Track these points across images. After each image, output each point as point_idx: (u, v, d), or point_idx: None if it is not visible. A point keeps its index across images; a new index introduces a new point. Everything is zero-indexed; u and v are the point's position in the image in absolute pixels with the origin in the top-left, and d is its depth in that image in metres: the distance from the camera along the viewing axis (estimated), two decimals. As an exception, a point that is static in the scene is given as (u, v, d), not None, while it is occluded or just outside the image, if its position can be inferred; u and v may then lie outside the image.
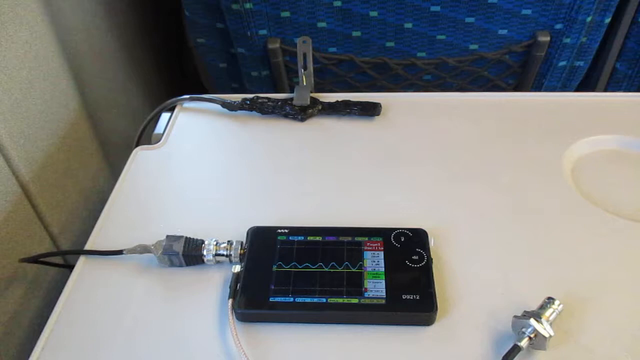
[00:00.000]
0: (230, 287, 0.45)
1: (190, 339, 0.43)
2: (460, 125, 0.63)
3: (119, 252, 0.49)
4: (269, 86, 0.90)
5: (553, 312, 0.41)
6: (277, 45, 0.82)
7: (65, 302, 0.47)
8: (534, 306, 0.42)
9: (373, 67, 0.85)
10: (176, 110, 0.68)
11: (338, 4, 0.77)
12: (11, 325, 0.55)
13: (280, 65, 0.85)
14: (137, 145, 0.64)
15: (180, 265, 0.48)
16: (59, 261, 0.63)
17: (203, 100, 0.68)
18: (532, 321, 0.39)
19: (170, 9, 1.04)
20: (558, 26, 0.79)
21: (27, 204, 0.59)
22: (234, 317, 0.43)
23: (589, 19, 0.78)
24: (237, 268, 0.46)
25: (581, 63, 0.86)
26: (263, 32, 0.81)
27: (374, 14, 0.79)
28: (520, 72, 0.86)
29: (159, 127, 0.66)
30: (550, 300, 0.41)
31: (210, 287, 0.47)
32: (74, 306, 0.46)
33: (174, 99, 0.68)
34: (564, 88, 0.90)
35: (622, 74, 0.89)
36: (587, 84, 0.93)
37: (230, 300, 0.44)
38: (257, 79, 0.89)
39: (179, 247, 0.47)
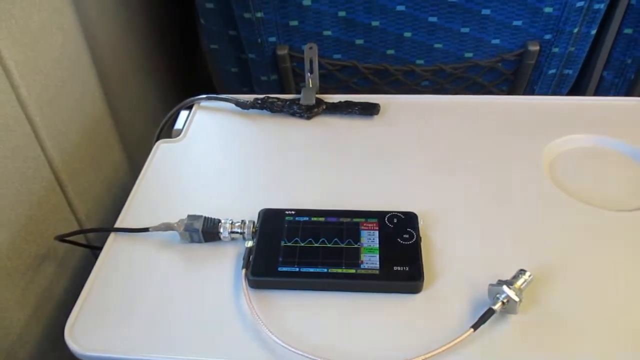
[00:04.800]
0: (243, 259, 0.50)
1: (209, 304, 0.48)
2: (451, 124, 0.68)
3: (145, 230, 0.54)
4: (277, 90, 0.94)
5: (524, 281, 0.46)
6: (286, 51, 0.86)
7: (98, 272, 0.52)
8: (508, 278, 0.47)
9: (375, 72, 0.89)
10: (194, 108, 0.73)
11: (342, 14, 0.82)
12: (43, 298, 0.60)
13: (288, 70, 0.89)
14: (157, 139, 0.69)
15: (200, 242, 0.54)
16: (86, 243, 0.69)
17: (218, 100, 0.73)
18: (505, 288, 0.45)
19: (186, 17, 1.09)
20: (547, 36, 0.83)
21: (59, 190, 0.63)
22: (247, 284, 0.49)
23: (575, 30, 0.82)
24: (249, 243, 0.52)
25: (570, 71, 0.90)
26: (272, 39, 0.85)
27: (375, 23, 0.83)
28: (513, 79, 0.90)
29: (178, 124, 0.71)
30: (522, 271, 0.46)
31: (225, 260, 0.52)
32: (106, 275, 0.52)
33: (192, 98, 0.73)
34: (554, 95, 0.94)
35: (610, 82, 0.92)
36: (576, 92, 0.96)
37: (244, 270, 0.49)
38: (265, 83, 0.93)
39: (198, 225, 0.53)
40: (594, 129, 0.66)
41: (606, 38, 0.89)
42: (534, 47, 0.84)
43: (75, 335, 0.46)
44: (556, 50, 0.85)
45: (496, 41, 0.85)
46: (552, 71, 0.89)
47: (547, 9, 0.80)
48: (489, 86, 0.92)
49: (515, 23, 0.82)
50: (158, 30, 0.98)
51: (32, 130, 0.58)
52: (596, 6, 0.80)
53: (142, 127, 0.88)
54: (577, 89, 0.97)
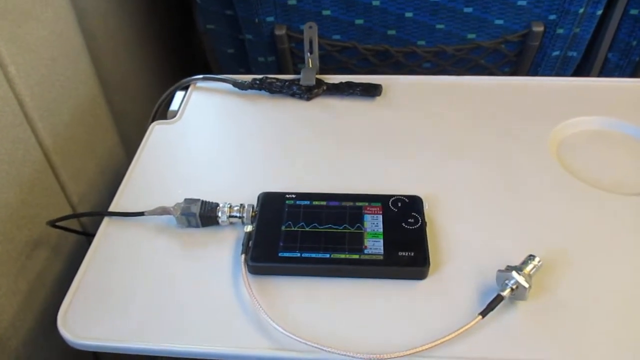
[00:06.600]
0: (243, 244, 0.49)
1: (207, 291, 0.47)
2: (455, 105, 0.67)
3: (141, 214, 0.53)
4: (275, 72, 0.92)
5: (534, 267, 0.45)
6: (284, 32, 0.84)
7: (92, 257, 0.51)
8: (517, 263, 0.46)
9: (375, 54, 0.88)
10: (190, 88, 0.72)
11: (342, -8, 0.80)
12: (36, 285, 0.59)
13: (286, 51, 0.87)
14: (153, 121, 0.67)
15: (197, 226, 0.52)
16: (80, 229, 0.68)
17: (215, 80, 0.71)
18: (514, 273, 0.43)
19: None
20: (552, 17, 0.82)
21: (51, 173, 0.62)
22: (247, 270, 0.47)
23: (581, 10, 0.81)
24: (249, 228, 0.50)
25: (574, 53, 0.89)
26: (270, 19, 0.84)
27: (376, 3, 0.81)
28: (516, 60, 0.89)
29: (174, 105, 0.69)
30: (531, 257, 0.45)
31: (224, 245, 0.51)
32: (100, 261, 0.50)
33: (188, 79, 0.71)
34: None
35: (614, 64, 0.92)
36: (580, 74, 0.95)
37: (243, 256, 0.48)
38: (263, 65, 0.92)
39: (196, 209, 0.51)
40: (602, 111, 0.65)
41: (612, 19, 0.88)
42: (538, 28, 0.83)
43: (68, 323, 0.45)
44: (561, 31, 0.84)
45: (500, 21, 0.84)
46: (556, 53, 0.88)
47: (553, -12, 0.79)
48: (491, 68, 0.91)
49: (519, 3, 0.81)
50: (153, 9, 0.97)
51: (21, 110, 0.57)
52: (602, -14, 0.79)
53: (137, 108, 0.87)
54: (580, 72, 0.96)
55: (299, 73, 0.71)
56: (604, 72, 0.94)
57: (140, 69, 0.92)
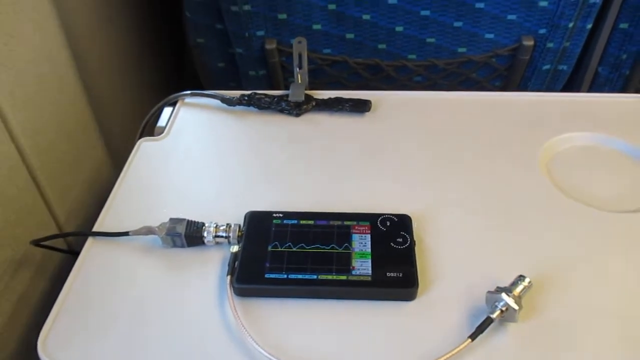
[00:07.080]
0: (228, 265, 0.48)
1: (192, 313, 0.46)
2: (445, 121, 0.67)
3: (125, 234, 0.52)
4: (266, 86, 0.92)
5: (524, 288, 0.44)
6: (274, 46, 0.84)
7: (74, 279, 0.50)
8: (507, 284, 0.45)
9: (366, 68, 0.88)
10: (178, 104, 0.71)
11: (332, 7, 0.80)
12: (19, 305, 0.57)
13: (277, 65, 0.87)
14: (140, 137, 0.66)
15: (182, 246, 0.51)
16: (65, 247, 0.67)
17: (204, 96, 0.71)
18: (504, 295, 0.43)
19: (172, 10, 1.07)
20: (542, 31, 0.82)
21: (36, 192, 0.61)
22: (232, 292, 0.47)
23: (571, 24, 0.81)
24: (235, 248, 0.49)
25: (564, 67, 0.89)
26: (260, 33, 0.84)
27: (366, 17, 0.81)
28: (506, 74, 0.89)
29: (162, 121, 0.69)
30: (521, 277, 0.45)
31: (210, 266, 0.50)
32: (83, 283, 0.49)
33: (176, 94, 0.71)
34: (548, 91, 0.93)
35: (604, 78, 0.92)
36: (570, 88, 0.95)
37: (229, 277, 0.47)
38: (254, 79, 0.91)
39: (181, 229, 0.50)
40: (592, 127, 0.65)
41: (601, 33, 0.88)
42: (529, 42, 0.83)
43: (49, 349, 0.44)
44: (551, 45, 0.84)
45: (490, 36, 0.84)
46: (547, 67, 0.88)
47: (542, 3, 0.79)
48: (482, 82, 0.91)
49: (509, 17, 0.81)
50: (142, 23, 0.96)
51: (5, 128, 0.56)
52: (592, 0, 0.79)
53: (126, 125, 0.86)
54: (571, 85, 0.96)
55: (290, 87, 0.70)
56: (594, 86, 0.94)
57: (129, 84, 0.91)
